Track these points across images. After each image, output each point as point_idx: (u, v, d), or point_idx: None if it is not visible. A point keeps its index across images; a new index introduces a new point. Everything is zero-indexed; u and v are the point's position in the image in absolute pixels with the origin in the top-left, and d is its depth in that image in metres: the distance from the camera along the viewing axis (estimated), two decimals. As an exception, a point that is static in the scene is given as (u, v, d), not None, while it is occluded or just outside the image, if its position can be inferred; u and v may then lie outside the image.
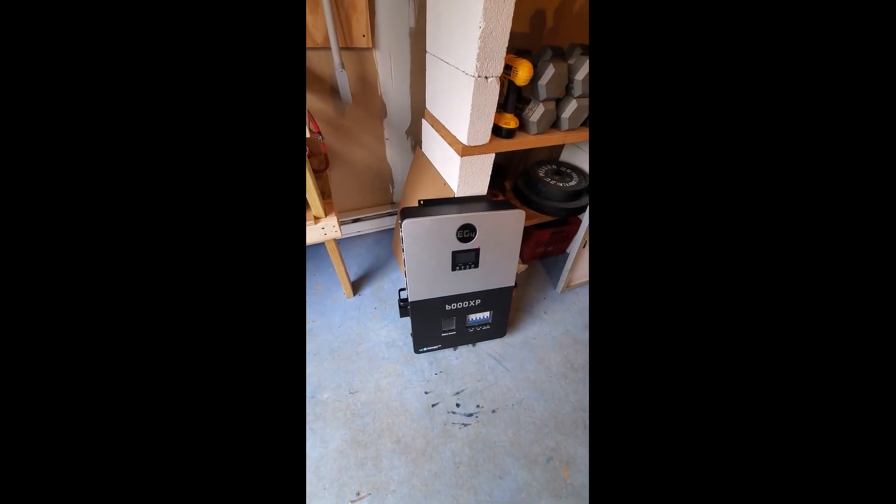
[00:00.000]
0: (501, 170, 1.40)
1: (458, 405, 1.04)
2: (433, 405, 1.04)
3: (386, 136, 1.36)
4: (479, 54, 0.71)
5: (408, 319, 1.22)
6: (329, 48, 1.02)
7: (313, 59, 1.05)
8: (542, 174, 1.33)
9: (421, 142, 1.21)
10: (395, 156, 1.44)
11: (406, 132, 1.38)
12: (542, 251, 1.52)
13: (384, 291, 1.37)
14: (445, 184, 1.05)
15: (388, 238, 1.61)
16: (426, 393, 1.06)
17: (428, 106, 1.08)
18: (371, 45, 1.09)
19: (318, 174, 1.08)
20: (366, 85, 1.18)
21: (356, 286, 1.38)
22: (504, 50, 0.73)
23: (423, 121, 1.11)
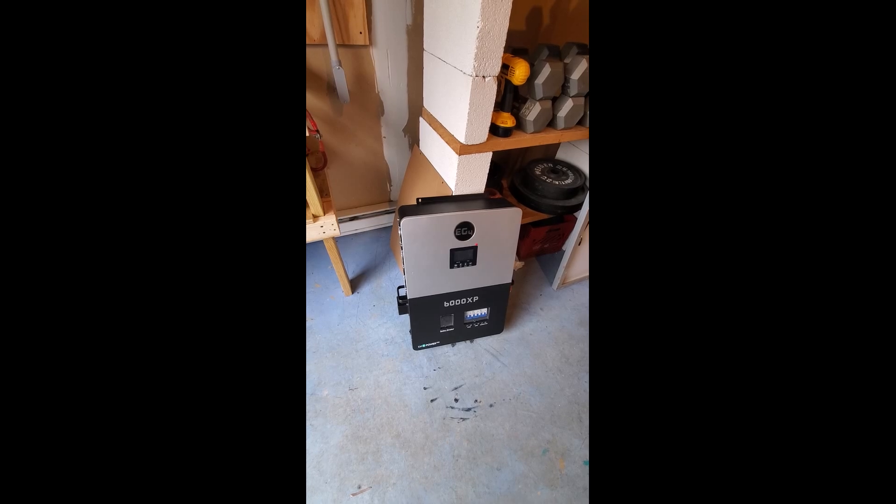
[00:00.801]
0: (498, 168, 1.40)
1: (456, 400, 1.06)
2: (432, 400, 1.05)
3: (383, 133, 1.36)
4: (476, 54, 0.71)
5: (406, 317, 1.23)
6: (326, 45, 1.01)
7: (310, 56, 1.05)
8: (538, 172, 1.35)
9: (419, 140, 1.21)
10: (392, 154, 1.44)
11: (403, 130, 1.38)
12: (538, 248, 1.54)
13: (382, 289, 1.38)
14: (443, 182, 1.05)
15: (386, 236, 1.62)
16: (425, 388, 1.08)
17: (425, 104, 1.09)
18: (368, 43, 1.08)
19: (315, 172, 1.08)
20: (363, 83, 1.18)
21: (354, 284, 1.39)
22: (502, 49, 0.73)
23: (421, 119, 1.12)
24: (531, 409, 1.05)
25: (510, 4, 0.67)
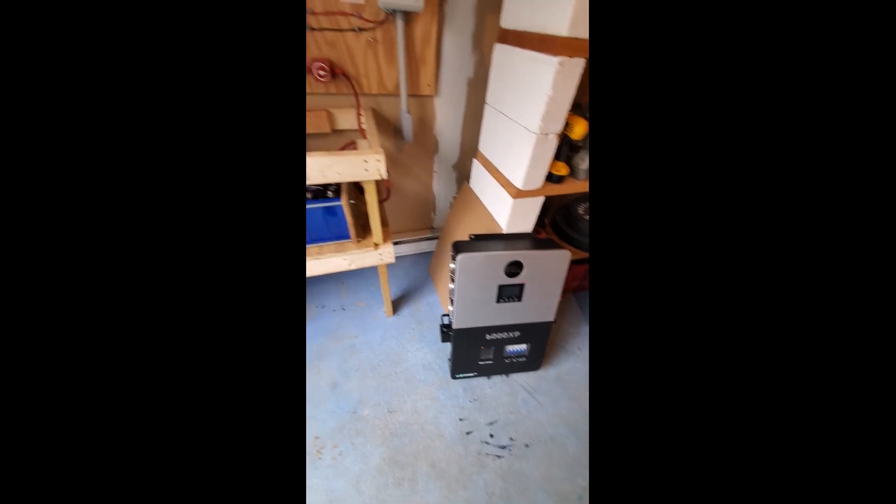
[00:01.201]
0: (543, 206, 1.46)
1: (491, 436, 1.06)
2: (467, 433, 1.06)
3: (435, 169, 1.47)
4: (543, 116, 0.79)
5: (442, 343, 1.27)
6: (398, 95, 1.15)
7: (383, 104, 1.19)
8: (581, 212, 1.39)
9: (468, 176, 1.30)
10: (440, 186, 1.54)
11: (453, 166, 1.49)
12: (576, 285, 1.55)
13: (421, 313, 1.43)
14: (493, 219, 1.12)
15: (424, 261, 1.69)
16: (461, 420, 1.09)
17: (481, 148, 1.18)
18: (434, 94, 1.21)
19: (380, 205, 1.18)
20: (423, 125, 1.31)
21: (395, 306, 1.45)
22: (566, 112, 0.81)
23: (475, 160, 1.21)
24: (567, 453, 1.03)
25: (578, 78, 0.75)
